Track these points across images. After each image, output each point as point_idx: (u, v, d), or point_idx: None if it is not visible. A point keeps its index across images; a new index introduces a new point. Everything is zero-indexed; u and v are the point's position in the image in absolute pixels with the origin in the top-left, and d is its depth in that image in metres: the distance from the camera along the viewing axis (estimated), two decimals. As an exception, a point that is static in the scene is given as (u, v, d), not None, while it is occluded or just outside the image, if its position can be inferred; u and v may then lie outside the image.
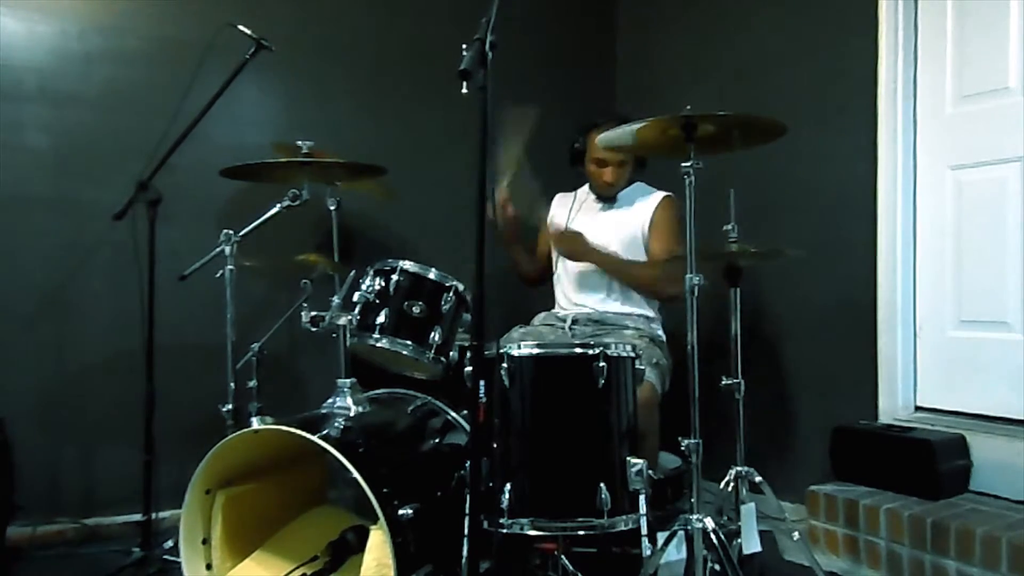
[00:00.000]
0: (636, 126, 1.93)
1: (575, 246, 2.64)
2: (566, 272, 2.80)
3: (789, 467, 2.86)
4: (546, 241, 2.93)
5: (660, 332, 2.70)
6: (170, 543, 2.39)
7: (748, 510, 2.14)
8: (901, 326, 2.60)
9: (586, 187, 2.85)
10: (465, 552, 1.89)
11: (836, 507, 2.41)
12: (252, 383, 2.47)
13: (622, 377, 2.00)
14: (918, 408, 2.61)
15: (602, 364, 1.93)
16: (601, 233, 2.72)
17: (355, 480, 1.81)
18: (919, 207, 2.61)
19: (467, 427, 2.25)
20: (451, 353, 2.29)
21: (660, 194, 2.73)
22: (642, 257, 2.69)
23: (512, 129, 2.54)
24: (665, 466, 2.59)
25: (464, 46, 1.49)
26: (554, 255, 2.84)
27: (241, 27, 2.45)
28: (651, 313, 2.71)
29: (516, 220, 2.79)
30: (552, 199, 2.95)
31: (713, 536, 1.83)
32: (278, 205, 2.33)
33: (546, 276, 2.94)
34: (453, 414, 2.33)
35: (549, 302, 2.87)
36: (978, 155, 2.46)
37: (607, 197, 2.77)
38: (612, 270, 2.65)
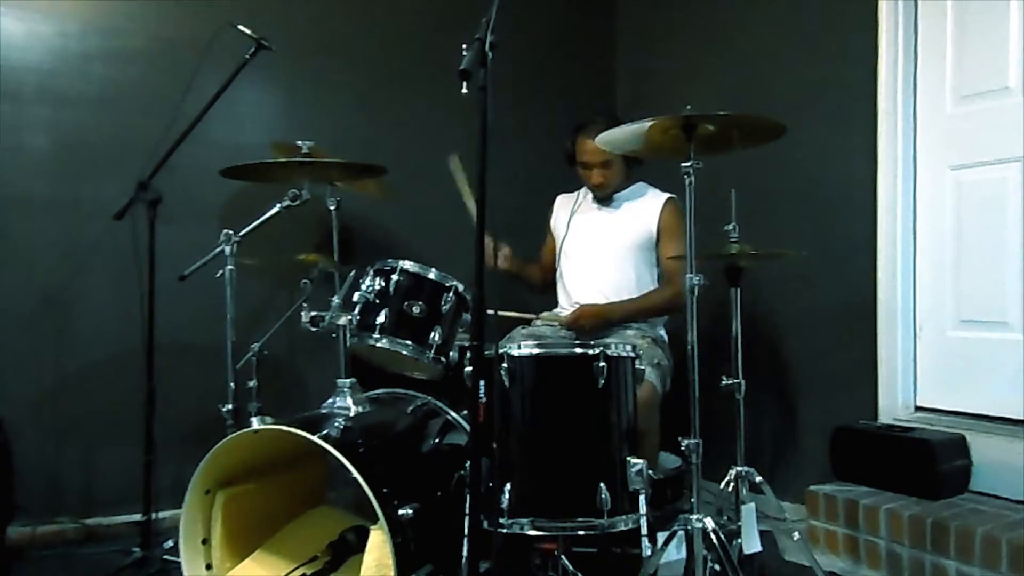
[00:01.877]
0: (636, 127, 1.93)
1: (589, 320, 2.56)
2: (568, 273, 2.80)
3: (789, 467, 2.86)
4: (550, 248, 2.94)
5: (662, 332, 2.70)
6: (170, 543, 2.39)
7: (748, 510, 2.14)
8: (901, 326, 2.60)
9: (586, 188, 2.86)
10: (465, 552, 1.89)
11: (836, 507, 2.41)
12: (252, 383, 2.47)
13: (622, 377, 1.99)
14: (918, 408, 2.60)
15: (602, 364, 1.93)
16: (599, 232, 2.72)
17: (355, 480, 1.81)
18: (919, 207, 2.60)
19: (467, 427, 2.25)
20: (451, 353, 2.29)
21: (663, 196, 2.72)
22: (648, 258, 2.69)
23: (459, 179, 2.59)
24: (665, 466, 2.59)
25: (464, 46, 1.49)
26: (558, 255, 2.83)
27: (241, 27, 2.45)
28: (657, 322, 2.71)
29: (510, 256, 2.77)
30: (555, 200, 2.96)
31: (713, 536, 1.83)
32: (278, 205, 2.33)
33: (551, 277, 2.94)
34: (453, 414, 2.33)
35: (550, 303, 2.87)
36: (978, 155, 2.46)
37: (603, 198, 2.76)
38: (633, 313, 2.62)
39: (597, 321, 2.56)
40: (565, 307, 2.78)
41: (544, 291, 2.95)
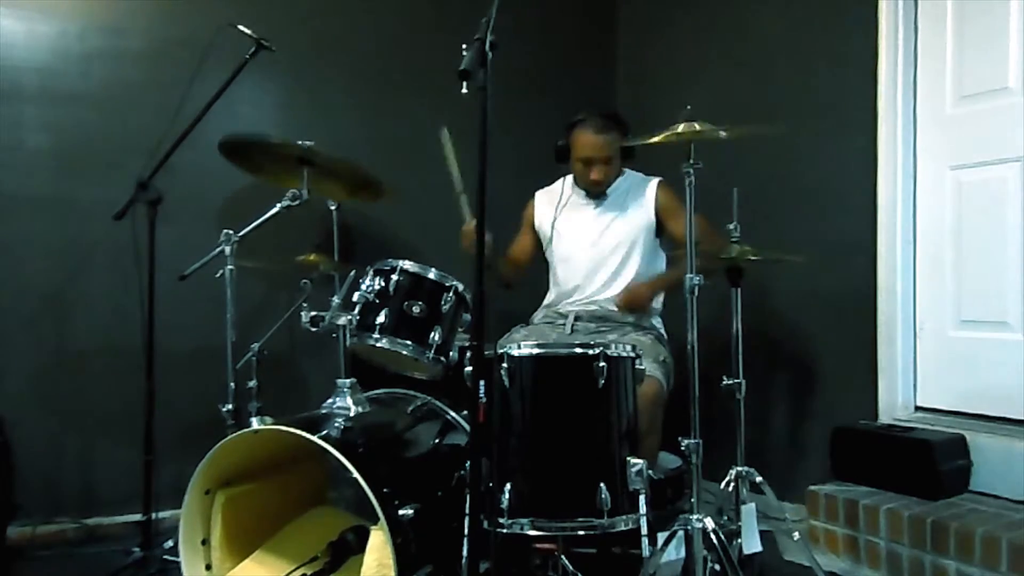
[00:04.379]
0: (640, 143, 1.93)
1: (641, 299, 2.54)
2: (569, 272, 2.77)
3: (789, 467, 2.86)
4: (525, 243, 2.87)
5: (662, 330, 2.69)
6: (170, 543, 2.39)
7: (748, 510, 2.14)
8: (901, 326, 2.60)
9: (569, 180, 2.79)
10: (465, 552, 1.89)
11: (836, 507, 2.41)
12: (252, 383, 2.48)
13: (622, 377, 1.99)
14: (918, 408, 2.61)
15: (602, 364, 1.93)
16: (597, 228, 2.68)
17: (355, 480, 1.80)
18: (919, 207, 2.61)
19: (467, 427, 2.25)
20: (451, 353, 2.29)
21: (654, 180, 2.68)
22: (651, 245, 2.66)
23: (448, 151, 2.50)
24: (665, 466, 2.59)
25: (464, 46, 1.49)
26: (550, 255, 2.81)
27: (241, 27, 2.45)
28: (654, 312, 2.71)
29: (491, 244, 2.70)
30: (533, 196, 2.90)
31: (713, 536, 1.83)
32: (278, 205, 2.33)
33: (523, 275, 2.89)
34: (453, 414, 2.33)
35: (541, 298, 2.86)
36: (978, 155, 2.46)
37: (597, 194, 2.72)
38: (675, 281, 2.53)
39: (641, 299, 2.53)
40: (569, 303, 2.76)
41: (510, 287, 2.87)
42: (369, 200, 2.72)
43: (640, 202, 2.67)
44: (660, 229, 2.67)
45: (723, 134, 1.87)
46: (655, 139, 1.91)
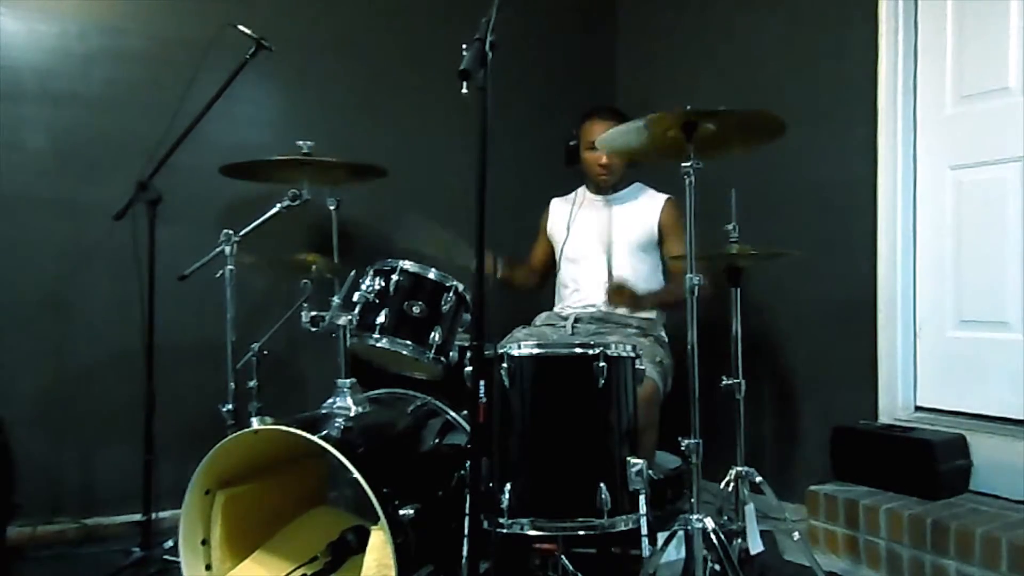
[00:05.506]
0: (637, 123, 1.92)
1: (624, 298, 2.56)
2: (570, 271, 2.80)
3: (789, 467, 2.86)
4: (542, 249, 2.95)
5: (663, 333, 2.69)
6: (170, 543, 2.39)
7: (751, 510, 2.14)
8: (901, 326, 2.60)
9: (583, 188, 2.85)
10: (465, 552, 1.89)
11: (836, 507, 2.41)
12: (252, 383, 2.47)
13: (622, 377, 1.99)
14: (918, 408, 2.61)
15: (602, 364, 1.93)
16: (605, 228, 2.72)
17: (355, 480, 1.80)
18: (919, 207, 2.61)
19: (467, 427, 2.25)
20: (451, 353, 2.29)
21: (663, 196, 2.74)
22: (648, 257, 2.70)
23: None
24: (665, 466, 2.59)
25: (464, 46, 1.49)
26: (558, 257, 2.83)
27: (241, 27, 2.45)
28: (654, 315, 2.71)
29: (505, 266, 2.76)
30: (549, 203, 2.96)
31: (713, 536, 1.83)
32: (278, 205, 2.33)
33: (545, 281, 2.95)
34: (453, 414, 2.33)
35: (550, 301, 2.87)
36: (978, 155, 2.46)
37: (606, 188, 2.76)
38: (665, 301, 2.62)
39: (625, 299, 2.55)
40: (568, 305, 2.77)
41: (534, 291, 2.99)
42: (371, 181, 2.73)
43: (646, 213, 2.72)
44: (661, 245, 2.73)
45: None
46: (649, 117, 1.88)
